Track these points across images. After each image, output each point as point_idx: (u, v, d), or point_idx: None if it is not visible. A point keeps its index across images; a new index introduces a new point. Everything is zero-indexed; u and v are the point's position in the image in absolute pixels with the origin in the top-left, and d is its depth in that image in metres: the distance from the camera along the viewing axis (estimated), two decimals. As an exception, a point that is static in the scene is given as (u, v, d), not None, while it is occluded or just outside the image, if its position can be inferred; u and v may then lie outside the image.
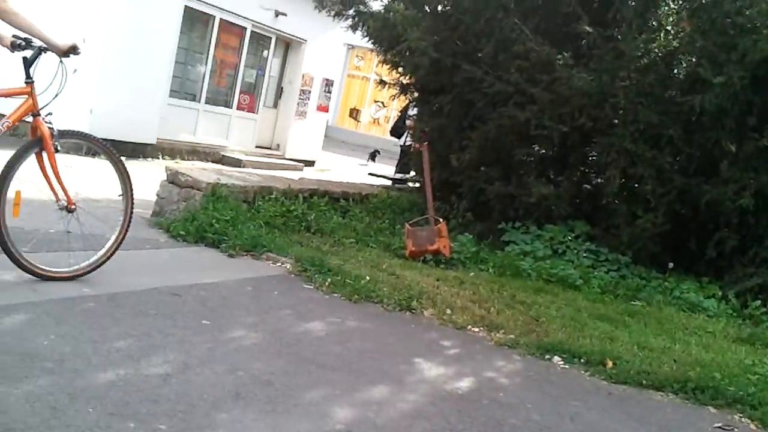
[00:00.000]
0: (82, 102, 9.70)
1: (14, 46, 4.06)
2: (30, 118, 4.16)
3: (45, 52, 4.10)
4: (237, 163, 12.60)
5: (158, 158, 11.53)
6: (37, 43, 4.05)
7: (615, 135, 6.93)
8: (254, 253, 5.73)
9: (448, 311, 4.91)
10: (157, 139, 11.68)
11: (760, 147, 6.41)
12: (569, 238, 7.03)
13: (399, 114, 12.55)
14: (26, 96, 4.12)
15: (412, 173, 9.51)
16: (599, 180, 7.58)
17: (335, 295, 5.01)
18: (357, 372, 3.66)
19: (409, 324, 4.72)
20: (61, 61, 4.16)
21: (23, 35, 4.03)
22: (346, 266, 5.52)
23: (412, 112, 10.84)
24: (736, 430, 3.74)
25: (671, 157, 6.86)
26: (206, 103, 12.96)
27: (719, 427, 3.73)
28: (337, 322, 4.48)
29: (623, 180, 6.98)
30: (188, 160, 12.13)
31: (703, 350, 4.75)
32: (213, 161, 12.56)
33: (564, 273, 6.32)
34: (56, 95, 4.18)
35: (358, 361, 3.83)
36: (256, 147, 14.32)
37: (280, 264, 5.58)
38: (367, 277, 5.29)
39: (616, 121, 7.01)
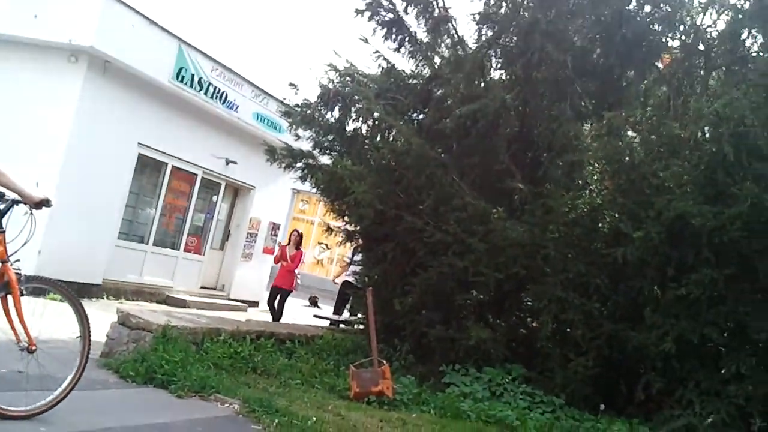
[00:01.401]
0: (31, 242, 9.83)
1: None
2: (-1, 264, 4.41)
3: (17, 204, 4.41)
4: (182, 303, 12.71)
5: (103, 298, 11.58)
6: (9, 195, 4.36)
7: (546, 283, 7.44)
8: (203, 395, 5.85)
9: (393, 452, 5.10)
10: (104, 279, 11.78)
11: (679, 295, 6.91)
12: (507, 380, 7.35)
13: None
14: (-4, 244, 4.39)
15: (358, 315, 9.81)
16: (534, 324, 8.02)
17: (283, 436, 5.17)
18: None
19: (356, 465, 4.89)
20: (31, 212, 4.47)
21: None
22: (292, 407, 5.69)
23: (357, 256, 11.39)
24: None
25: (599, 303, 7.35)
26: (154, 244, 13.20)
27: None
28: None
29: (555, 325, 7.41)
30: (133, 300, 12.20)
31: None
32: (158, 301, 12.64)
33: (501, 414, 6.58)
34: (25, 243, 4.45)
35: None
36: (202, 287, 14.47)
37: (228, 405, 5.70)
38: (314, 418, 5.46)
39: (547, 269, 7.53)
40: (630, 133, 8.33)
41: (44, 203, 4.41)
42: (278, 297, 12.24)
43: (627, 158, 7.53)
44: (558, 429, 6.62)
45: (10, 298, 4.40)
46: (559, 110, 8.38)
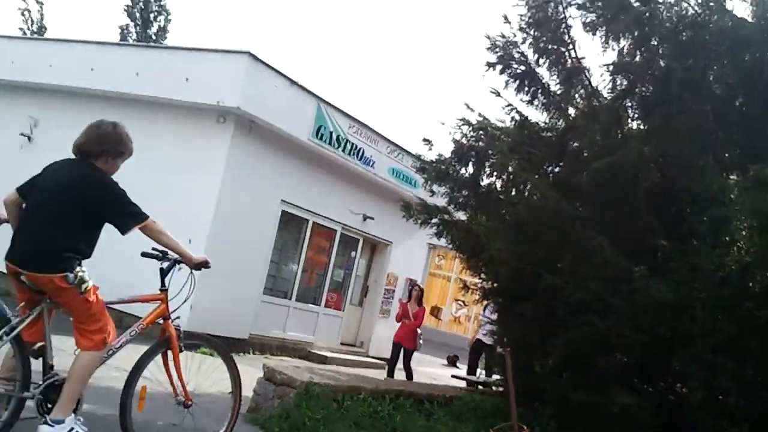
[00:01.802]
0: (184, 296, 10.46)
1: (154, 257, 4.76)
2: (161, 320, 4.77)
3: (179, 265, 4.78)
4: (323, 359, 13.02)
5: (249, 353, 12.06)
6: (172, 255, 4.74)
7: (695, 346, 7.04)
8: (343, 454, 5.98)
9: None
10: (250, 334, 12.29)
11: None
12: (654, 450, 6.98)
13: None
14: (160, 302, 4.77)
15: (494, 377, 9.66)
16: (683, 390, 7.58)
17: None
18: None
19: None
20: (191, 273, 4.82)
21: (161, 248, 4.72)
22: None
23: (489, 313, 11.28)
24: None
25: (753, 369, 6.87)
26: (296, 300, 13.67)
27: None
28: None
29: (706, 391, 6.97)
30: (277, 355, 12.63)
31: None
32: (300, 357, 13.01)
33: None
34: (184, 301, 4.80)
35: None
36: (341, 344, 14.78)
37: (368, 466, 5.80)
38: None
39: (695, 331, 7.13)
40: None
41: (204, 265, 4.76)
42: (402, 357, 12.11)
43: (776, 213, 7.07)
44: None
45: (170, 353, 4.72)
46: (702, 162, 8.03)
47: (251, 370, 7.87)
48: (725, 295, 7.11)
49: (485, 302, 10.77)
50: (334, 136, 13.38)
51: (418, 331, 12.23)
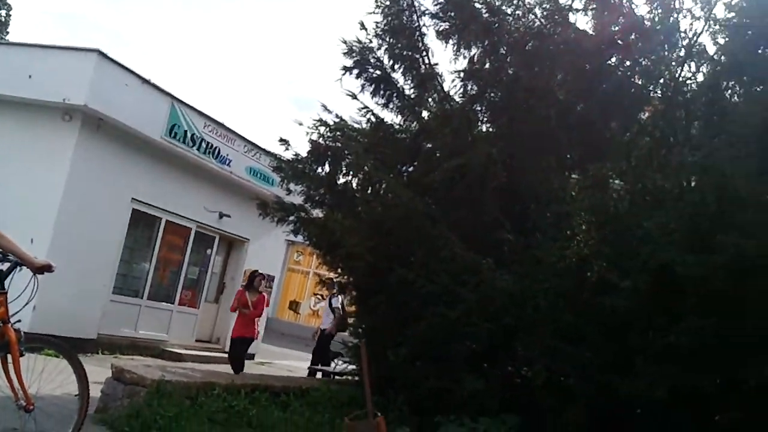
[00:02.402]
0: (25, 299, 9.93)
1: None
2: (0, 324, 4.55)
3: (20, 267, 4.58)
4: (177, 357, 12.74)
5: (98, 353, 11.61)
6: (12, 258, 4.54)
7: (537, 333, 7.52)
8: (197, 450, 5.92)
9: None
10: (98, 334, 11.84)
11: (668, 344, 6.99)
12: (502, 430, 7.36)
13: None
14: (-1, 304, 4.54)
15: (351, 366, 9.83)
16: (527, 373, 8.06)
17: (276, 492, 5.22)
18: None
19: None
20: (34, 275, 4.63)
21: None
22: (287, 462, 5.75)
23: (335, 302, 11.52)
24: None
25: (590, 353, 7.42)
26: (148, 299, 13.27)
27: None
28: None
29: (548, 374, 7.45)
30: (128, 354, 12.23)
31: None
32: (153, 355, 12.65)
33: (496, 465, 6.63)
34: (26, 304, 4.60)
35: None
36: (197, 341, 14.50)
37: (222, 461, 5.77)
38: (308, 473, 5.52)
39: (538, 319, 7.61)
40: (615, 183, 8.50)
41: (46, 269, 4.59)
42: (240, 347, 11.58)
43: (612, 209, 7.67)
44: (552, 478, 6.66)
45: (9, 358, 4.52)
46: (545, 162, 8.57)
47: (100, 370, 7.61)
48: (565, 285, 7.64)
49: (328, 294, 11.03)
50: (189, 135, 13.12)
51: (257, 320, 11.87)
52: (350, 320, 10.25)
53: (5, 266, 4.58)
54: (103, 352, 11.69)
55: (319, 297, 11.73)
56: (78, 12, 63.17)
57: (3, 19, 34.25)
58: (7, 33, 34.04)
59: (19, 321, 4.63)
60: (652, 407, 7.09)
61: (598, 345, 7.56)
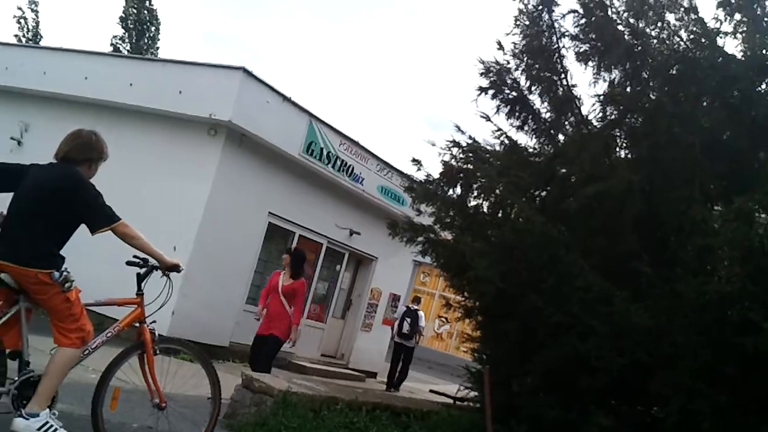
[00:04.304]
0: (166, 304, 10.48)
1: (135, 265, 4.82)
2: (137, 324, 4.80)
3: (156, 270, 4.82)
4: (302, 369, 13.00)
5: (229, 360, 12.03)
6: (152, 262, 4.78)
7: (673, 370, 7.10)
8: (316, 462, 5.98)
9: None
10: (230, 342, 12.26)
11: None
12: (628, 471, 7.02)
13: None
14: (136, 305, 4.80)
15: (473, 393, 9.66)
16: (659, 413, 7.62)
17: None
18: None
19: None
20: (168, 276, 4.86)
21: (142, 256, 4.77)
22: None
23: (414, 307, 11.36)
24: None
25: (728, 395, 6.93)
26: (279, 311, 13.62)
27: None
28: None
29: (683, 415, 7.01)
30: (257, 364, 12.57)
31: None
32: (280, 366, 12.96)
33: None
34: (162, 305, 4.83)
35: None
36: (322, 355, 14.76)
37: (341, 475, 5.80)
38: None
39: (674, 357, 7.19)
40: (762, 217, 7.93)
41: (175, 268, 4.80)
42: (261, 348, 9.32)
43: (757, 244, 7.16)
44: None
45: (145, 357, 4.75)
46: (688, 192, 8.12)
47: (230, 377, 7.87)
48: (705, 321, 7.19)
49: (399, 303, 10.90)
50: (325, 153, 13.46)
51: (291, 314, 9.28)
52: (474, 345, 10.05)
53: (143, 270, 4.83)
54: (234, 361, 12.10)
55: (444, 320, 11.58)
56: (219, 28, 66.74)
57: (152, 35, 36.59)
58: (157, 48, 36.38)
59: (154, 322, 4.87)
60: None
61: (738, 386, 7.06)
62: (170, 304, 10.80)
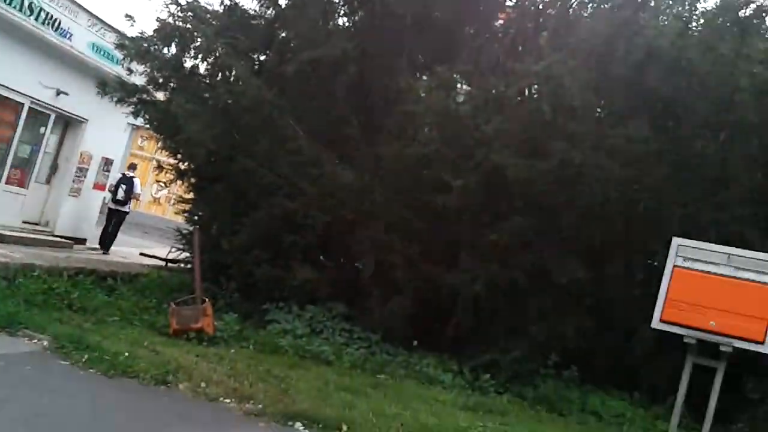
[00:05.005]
0: None
1: None
2: None
3: None
4: (0, 238, 11.98)
5: None
6: None
7: (371, 227, 7.68)
8: (10, 330, 5.64)
9: (203, 384, 5.16)
10: None
11: (492, 241, 7.35)
12: (327, 317, 7.61)
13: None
14: None
15: (185, 255, 9.65)
16: (358, 265, 8.27)
17: (91, 370, 5.11)
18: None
19: (163, 397, 4.91)
20: None
21: None
22: (105, 343, 5.63)
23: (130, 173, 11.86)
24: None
25: (419, 247, 7.69)
26: (-30, 175, 12.28)
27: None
28: (89, 397, 4.61)
29: (378, 266, 7.67)
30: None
31: (430, 416, 5.38)
32: (-28, 236, 11.85)
33: (318, 349, 6.84)
34: None
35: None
36: (24, 222, 13.66)
37: (36, 341, 5.55)
38: (126, 353, 5.43)
39: (374, 213, 7.75)
40: (461, 87, 8.63)
41: None
42: None
43: (454, 112, 7.81)
44: (372, 363, 6.97)
45: None
46: (397, 63, 8.55)
47: None
48: (403, 182, 7.80)
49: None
50: (26, 3, 11.92)
51: None
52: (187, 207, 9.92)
53: None
54: None
55: (162, 184, 11.22)
56: None
57: None
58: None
59: None
60: (471, 300, 7.47)
61: (428, 241, 7.87)
62: None
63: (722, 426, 6.13)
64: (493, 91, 7.91)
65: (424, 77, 9.05)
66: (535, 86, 7.87)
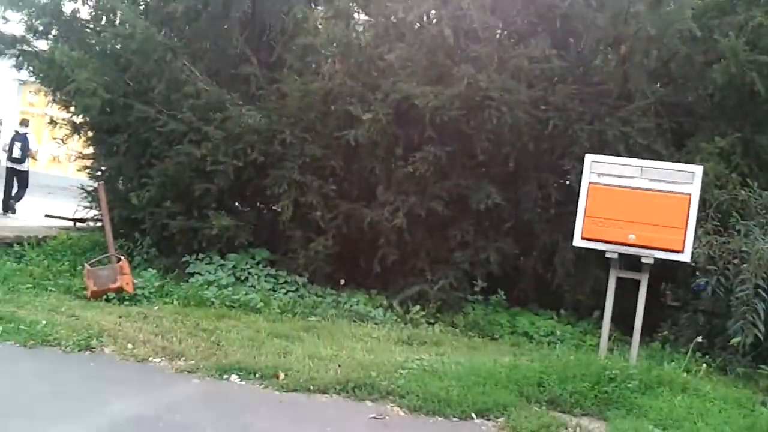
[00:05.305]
0: None
1: None
2: None
3: None
4: None
5: None
6: None
7: (285, 168, 7.53)
8: None
9: (130, 346, 5.04)
10: None
11: (407, 173, 7.38)
12: (251, 265, 7.50)
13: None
14: None
15: (93, 213, 9.24)
16: (276, 209, 8.12)
17: (8, 342, 4.93)
18: (34, 415, 3.72)
19: (89, 363, 4.78)
20: None
21: None
22: (20, 313, 5.43)
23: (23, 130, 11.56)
24: (387, 417, 4.33)
25: (336, 185, 7.62)
26: None
27: (373, 417, 4.31)
28: (9, 371, 4.44)
29: (296, 208, 7.57)
30: None
31: (366, 354, 5.41)
32: None
33: (246, 298, 6.75)
34: None
35: (35, 405, 3.87)
36: None
37: (-59, 319, 5.27)
38: (44, 322, 5.27)
39: (285, 155, 7.59)
40: (360, 15, 8.42)
41: None
42: None
43: (355, 41, 7.65)
44: (301, 306, 6.93)
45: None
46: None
47: None
48: (310, 119, 7.63)
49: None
50: None
51: None
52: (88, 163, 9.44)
53: None
54: None
55: (61, 141, 10.60)
56: None
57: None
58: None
59: None
60: (393, 233, 7.49)
61: (344, 178, 7.80)
62: None
63: (647, 335, 6.44)
64: (393, 18, 7.74)
65: (320, 7, 8.79)
66: (433, 11, 7.74)
